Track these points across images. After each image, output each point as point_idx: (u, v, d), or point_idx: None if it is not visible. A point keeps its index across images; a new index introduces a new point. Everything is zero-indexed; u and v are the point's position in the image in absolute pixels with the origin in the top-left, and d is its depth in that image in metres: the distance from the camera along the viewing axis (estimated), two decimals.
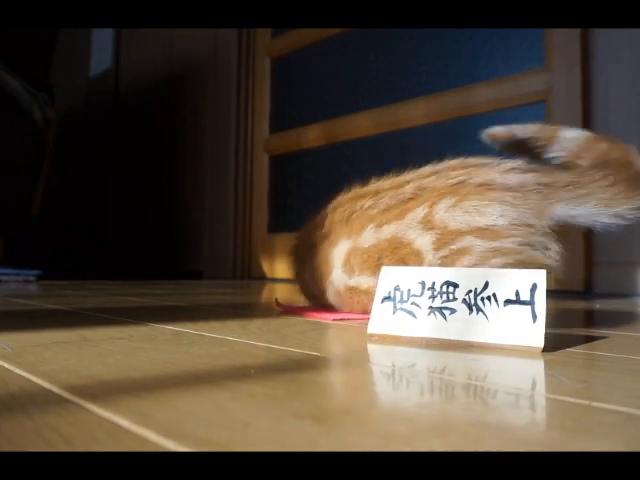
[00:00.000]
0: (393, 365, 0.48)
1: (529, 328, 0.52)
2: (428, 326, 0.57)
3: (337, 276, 0.79)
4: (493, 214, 0.67)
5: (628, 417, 0.31)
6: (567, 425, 0.30)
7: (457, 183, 0.71)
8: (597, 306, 1.10)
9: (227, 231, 2.55)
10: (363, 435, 0.28)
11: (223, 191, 2.58)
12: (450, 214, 0.69)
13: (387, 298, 0.61)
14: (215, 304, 1.10)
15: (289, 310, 0.89)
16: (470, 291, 0.56)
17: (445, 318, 0.56)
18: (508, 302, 0.54)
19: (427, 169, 0.77)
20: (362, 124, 2.13)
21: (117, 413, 0.31)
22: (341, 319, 0.77)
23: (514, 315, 0.53)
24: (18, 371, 0.41)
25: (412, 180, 0.76)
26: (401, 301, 0.60)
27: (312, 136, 2.32)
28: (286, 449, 0.25)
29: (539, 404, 0.35)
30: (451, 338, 0.55)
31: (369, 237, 0.75)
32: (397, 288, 0.60)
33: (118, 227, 3.21)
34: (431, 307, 0.58)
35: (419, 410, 0.33)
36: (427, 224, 0.71)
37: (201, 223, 2.68)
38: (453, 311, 0.56)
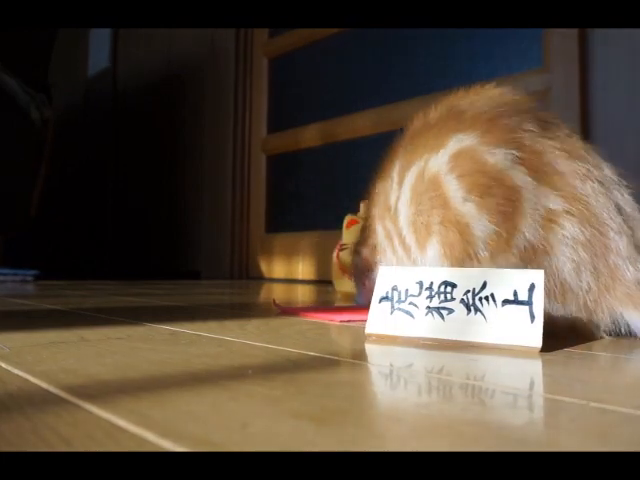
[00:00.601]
0: (391, 365, 0.48)
1: (527, 328, 0.52)
2: (426, 326, 0.57)
3: (440, 159, 0.63)
4: (578, 276, 0.58)
5: (626, 417, 0.31)
6: (565, 425, 0.30)
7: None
8: None
9: (225, 231, 2.55)
10: (361, 435, 0.28)
11: (221, 191, 2.58)
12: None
13: (385, 298, 0.60)
14: (213, 304, 1.10)
15: (287, 311, 0.89)
16: (468, 291, 0.56)
17: (443, 318, 0.56)
18: (506, 302, 0.54)
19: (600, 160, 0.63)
20: (360, 124, 2.13)
21: (115, 413, 0.31)
22: (348, 321, 0.76)
23: (512, 315, 0.53)
24: (16, 371, 0.41)
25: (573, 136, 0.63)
26: (399, 301, 0.59)
27: (310, 136, 2.32)
28: (284, 449, 0.25)
29: (537, 404, 0.35)
30: (449, 338, 0.55)
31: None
32: (395, 288, 0.60)
33: (116, 227, 3.20)
34: (429, 307, 0.57)
35: (417, 410, 0.33)
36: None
37: (199, 223, 2.68)
38: (451, 311, 0.56)
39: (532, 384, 0.42)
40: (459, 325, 0.55)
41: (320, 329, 0.69)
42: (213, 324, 0.72)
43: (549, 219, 0.58)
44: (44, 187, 2.32)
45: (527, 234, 0.58)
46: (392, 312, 0.59)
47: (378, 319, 0.60)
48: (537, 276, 0.54)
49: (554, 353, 0.52)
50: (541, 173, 0.58)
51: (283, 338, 0.61)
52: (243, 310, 1.00)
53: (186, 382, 0.39)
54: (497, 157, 0.59)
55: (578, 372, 0.46)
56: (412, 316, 0.58)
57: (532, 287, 0.54)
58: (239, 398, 0.34)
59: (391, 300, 0.60)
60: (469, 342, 0.54)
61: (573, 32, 1.56)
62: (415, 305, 0.58)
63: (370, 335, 0.60)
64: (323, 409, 0.32)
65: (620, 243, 0.58)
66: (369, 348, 0.56)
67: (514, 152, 0.59)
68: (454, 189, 0.61)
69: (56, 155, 2.57)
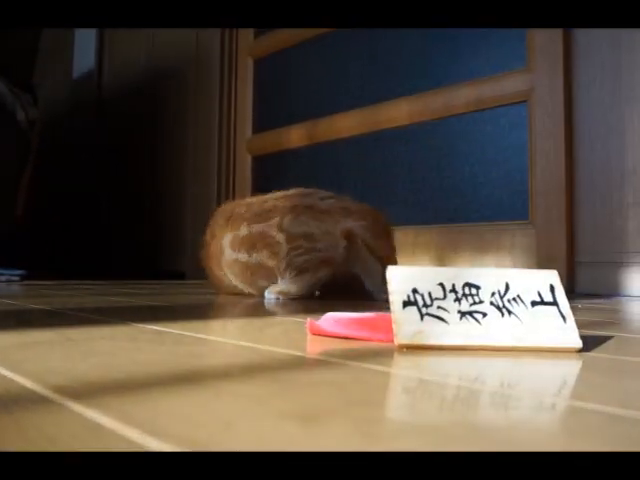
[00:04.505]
0: (377, 364, 0.48)
1: (563, 328, 0.52)
2: (462, 332, 0.52)
3: (228, 253, 1.29)
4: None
5: (610, 417, 0.32)
6: (549, 425, 0.31)
7: None
8: (579, 306, 1.11)
9: None
10: (346, 435, 0.28)
11: (206, 191, 2.57)
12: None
13: (409, 303, 0.54)
14: (198, 304, 1.10)
15: (321, 333, 0.64)
16: (494, 293, 0.55)
17: (479, 322, 0.53)
18: (535, 303, 0.54)
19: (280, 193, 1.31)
20: (345, 124, 2.13)
21: (101, 413, 0.31)
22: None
23: (544, 316, 0.53)
24: (1, 371, 0.41)
25: (270, 199, 1.29)
26: (425, 305, 0.54)
27: (295, 136, 2.32)
28: (268, 449, 0.25)
29: (523, 404, 0.36)
30: (490, 343, 0.52)
31: (244, 230, 1.26)
32: (416, 291, 0.55)
33: (102, 227, 3.19)
34: (460, 311, 0.54)
35: (403, 410, 0.33)
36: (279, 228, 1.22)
37: (184, 224, 2.68)
38: (484, 314, 0.53)
39: (520, 383, 0.42)
40: (497, 329, 0.53)
41: (304, 329, 0.69)
42: (198, 324, 0.72)
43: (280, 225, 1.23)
44: (30, 187, 2.31)
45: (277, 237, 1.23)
46: (422, 318, 0.53)
47: (408, 327, 0.53)
48: (553, 277, 0.55)
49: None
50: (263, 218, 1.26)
51: (268, 338, 0.61)
52: (228, 310, 1.00)
53: (171, 381, 0.39)
54: (242, 229, 1.28)
55: (562, 372, 0.46)
56: (446, 322, 0.53)
57: (552, 288, 0.54)
58: (223, 397, 0.34)
59: (416, 304, 0.54)
60: (512, 346, 0.52)
61: (557, 32, 1.57)
62: (445, 309, 0.54)
63: (402, 346, 0.53)
64: (308, 408, 0.32)
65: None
66: (353, 348, 0.56)
67: (245, 224, 1.28)
68: (243, 259, 1.30)
69: (43, 155, 2.55)
